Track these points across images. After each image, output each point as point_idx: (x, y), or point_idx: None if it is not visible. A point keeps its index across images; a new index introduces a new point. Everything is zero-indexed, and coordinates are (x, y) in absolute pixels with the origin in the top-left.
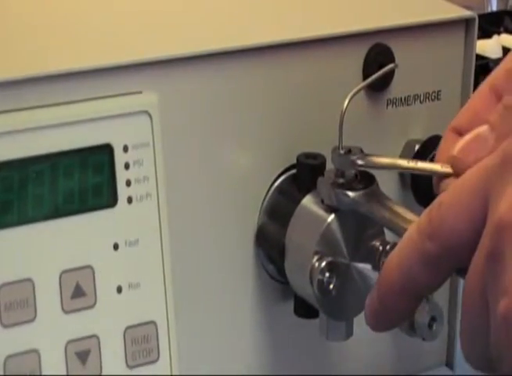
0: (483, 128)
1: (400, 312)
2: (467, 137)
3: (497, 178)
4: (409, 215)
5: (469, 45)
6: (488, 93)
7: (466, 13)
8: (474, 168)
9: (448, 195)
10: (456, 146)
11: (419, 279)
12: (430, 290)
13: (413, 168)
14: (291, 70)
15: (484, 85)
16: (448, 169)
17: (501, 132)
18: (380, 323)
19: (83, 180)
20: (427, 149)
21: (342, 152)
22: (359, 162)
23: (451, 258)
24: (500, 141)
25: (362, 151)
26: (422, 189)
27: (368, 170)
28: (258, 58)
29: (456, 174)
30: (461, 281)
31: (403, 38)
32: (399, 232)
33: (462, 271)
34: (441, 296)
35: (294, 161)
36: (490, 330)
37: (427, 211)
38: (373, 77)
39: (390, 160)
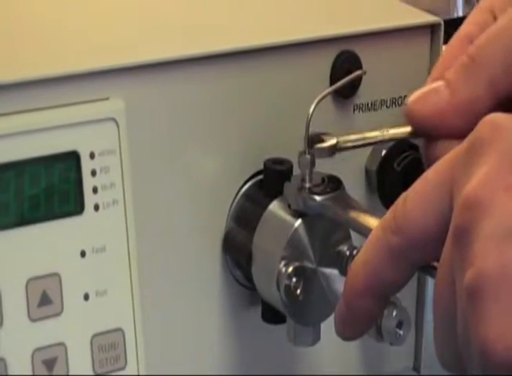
0: (438, 83)
1: (366, 315)
2: (421, 89)
3: (462, 167)
4: (375, 219)
5: (435, 51)
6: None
7: (432, 18)
8: (439, 161)
9: (413, 189)
10: (410, 97)
11: (384, 276)
12: (395, 288)
13: (389, 137)
14: (258, 75)
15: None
16: None
17: (455, 88)
18: (348, 329)
19: (49, 187)
20: (394, 154)
21: (308, 156)
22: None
23: (416, 252)
24: (455, 96)
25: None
26: (388, 193)
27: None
28: (225, 64)
29: (413, 128)
30: (428, 284)
31: (369, 44)
32: (367, 235)
33: (427, 268)
34: (408, 300)
35: (261, 167)
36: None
37: (392, 207)
38: (340, 82)
39: (359, 135)
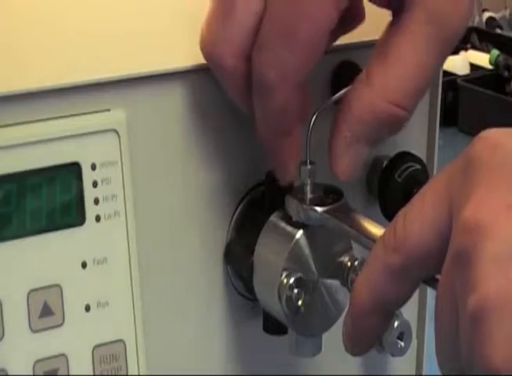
0: None
1: (373, 331)
2: None
3: (460, 183)
4: (377, 229)
5: None
6: None
7: None
8: (435, 178)
9: (412, 205)
10: None
11: (387, 293)
12: (399, 304)
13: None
14: None
15: None
16: None
17: None
18: (355, 345)
19: (51, 199)
20: (395, 164)
21: (309, 167)
22: None
23: (417, 269)
24: None
25: None
26: (389, 204)
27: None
28: None
29: None
30: (429, 295)
31: (370, 54)
32: (368, 245)
33: (430, 281)
34: (409, 310)
35: (263, 178)
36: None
37: (391, 223)
38: (341, 92)
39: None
